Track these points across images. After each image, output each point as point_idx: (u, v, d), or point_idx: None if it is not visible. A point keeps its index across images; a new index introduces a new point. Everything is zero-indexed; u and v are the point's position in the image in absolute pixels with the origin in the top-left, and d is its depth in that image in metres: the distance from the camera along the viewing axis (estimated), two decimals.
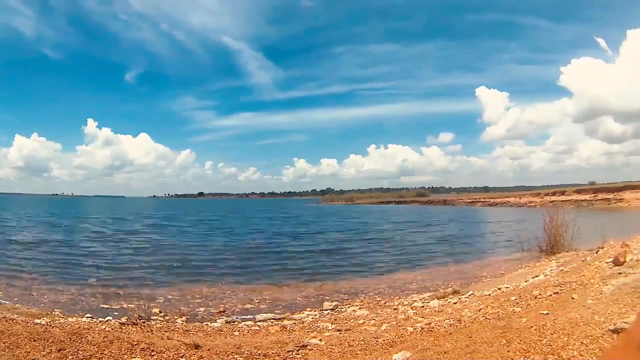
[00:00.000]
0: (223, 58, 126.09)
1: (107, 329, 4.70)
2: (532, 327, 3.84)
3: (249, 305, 7.71)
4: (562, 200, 51.35)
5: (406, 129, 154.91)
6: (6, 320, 4.44)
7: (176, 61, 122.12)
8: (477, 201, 74.28)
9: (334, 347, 4.23)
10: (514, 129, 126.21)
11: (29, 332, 3.97)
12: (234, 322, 6.13)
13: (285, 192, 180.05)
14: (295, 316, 6.70)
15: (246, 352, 4.04)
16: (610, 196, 53.09)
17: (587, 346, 3.19)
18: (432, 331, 4.50)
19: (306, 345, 4.32)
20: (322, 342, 4.44)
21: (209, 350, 4.04)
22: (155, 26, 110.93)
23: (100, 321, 5.49)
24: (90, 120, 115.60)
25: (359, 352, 4.05)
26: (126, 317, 5.63)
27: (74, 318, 5.81)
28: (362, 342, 4.32)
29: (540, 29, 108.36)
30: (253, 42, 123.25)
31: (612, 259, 6.44)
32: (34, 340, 3.74)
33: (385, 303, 7.49)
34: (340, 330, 5.13)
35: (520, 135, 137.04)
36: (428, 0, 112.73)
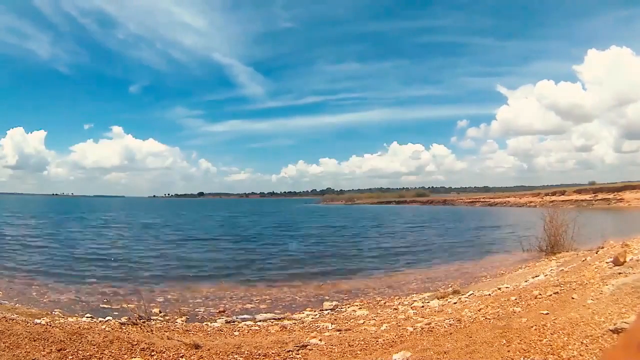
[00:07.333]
0: (216, 72, 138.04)
1: (107, 329, 4.70)
2: (532, 327, 3.83)
3: (249, 305, 7.71)
4: (562, 200, 51.36)
5: (397, 131, 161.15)
6: (6, 320, 4.43)
7: (174, 75, 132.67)
8: (477, 201, 74.38)
9: (334, 347, 4.23)
10: (519, 126, 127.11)
11: (29, 332, 3.97)
12: (234, 322, 6.13)
13: (285, 192, 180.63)
14: (295, 316, 6.70)
15: (246, 352, 4.04)
16: (610, 196, 53.16)
17: (587, 346, 3.18)
18: (432, 331, 4.49)
19: (306, 345, 4.31)
20: (322, 342, 4.44)
21: (209, 350, 4.03)
22: (151, 46, 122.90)
23: (100, 321, 5.49)
24: (91, 123, 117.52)
25: (359, 352, 4.05)
26: (126, 317, 5.64)
27: (74, 318, 5.80)
28: (362, 342, 4.32)
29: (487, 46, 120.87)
30: (242, 59, 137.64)
31: (612, 259, 6.43)
32: (34, 340, 3.74)
33: (385, 303, 7.49)
34: (340, 330, 5.13)
35: (521, 133, 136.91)
36: (386, 27, 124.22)
